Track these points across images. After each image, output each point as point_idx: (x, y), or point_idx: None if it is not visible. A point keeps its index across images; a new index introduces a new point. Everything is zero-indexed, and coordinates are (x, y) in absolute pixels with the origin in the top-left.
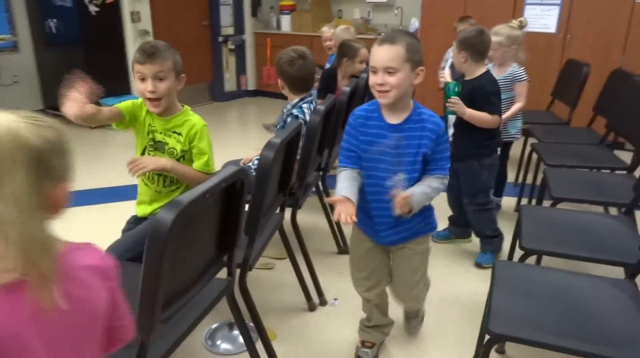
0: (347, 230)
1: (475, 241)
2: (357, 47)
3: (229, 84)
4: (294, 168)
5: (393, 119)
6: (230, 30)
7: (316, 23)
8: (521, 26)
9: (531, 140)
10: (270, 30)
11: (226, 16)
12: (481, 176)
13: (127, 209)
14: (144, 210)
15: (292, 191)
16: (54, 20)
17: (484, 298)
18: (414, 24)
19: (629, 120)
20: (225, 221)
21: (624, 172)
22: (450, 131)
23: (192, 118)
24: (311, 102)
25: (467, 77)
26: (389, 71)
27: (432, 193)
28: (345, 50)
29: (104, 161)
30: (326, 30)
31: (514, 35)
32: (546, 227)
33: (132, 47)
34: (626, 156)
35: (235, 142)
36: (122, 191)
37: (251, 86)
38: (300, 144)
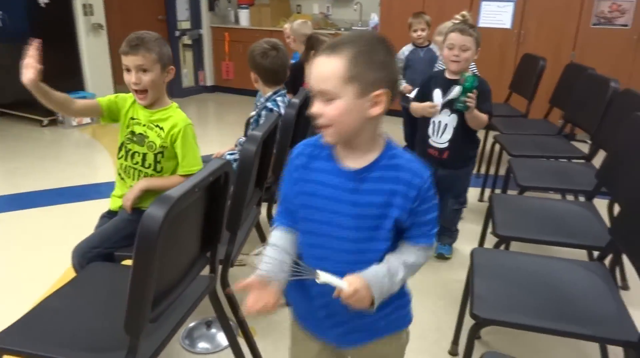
0: None
1: None
2: (323, 40)
3: (187, 80)
4: (270, 162)
5: (350, 162)
6: (186, 25)
7: (275, 18)
8: (464, 21)
9: (492, 132)
10: (228, 24)
11: (182, 10)
12: (470, 177)
13: (87, 209)
14: (116, 203)
15: (268, 186)
16: (1, 12)
17: (456, 285)
18: (374, 19)
19: (584, 111)
20: (208, 217)
21: (582, 161)
22: (447, 136)
23: (176, 115)
24: (285, 96)
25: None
26: (326, 97)
27: (407, 273)
28: (313, 43)
29: (59, 161)
30: (288, 27)
31: None
32: (517, 214)
33: (84, 41)
34: (581, 146)
35: (198, 139)
36: (79, 190)
37: (209, 82)
38: (277, 138)
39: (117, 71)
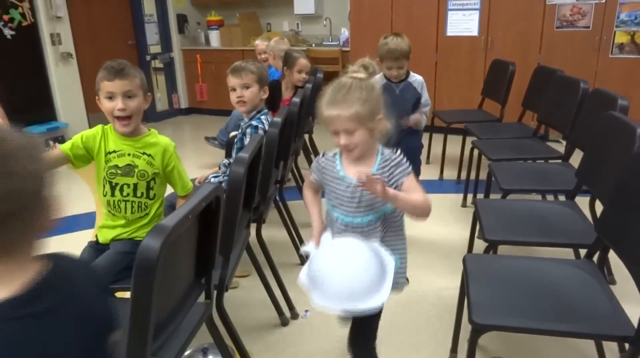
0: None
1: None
2: (295, 56)
3: (161, 103)
4: (257, 182)
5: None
6: (157, 49)
7: (246, 37)
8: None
9: (469, 138)
10: (199, 46)
11: (152, 34)
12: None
13: (68, 243)
14: (106, 235)
15: (255, 206)
16: None
17: (449, 293)
18: (344, 33)
19: (557, 112)
20: (201, 242)
21: (559, 161)
22: None
23: (162, 140)
24: (267, 114)
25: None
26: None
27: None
28: (286, 59)
29: None
30: (259, 43)
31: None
32: (503, 218)
33: (54, 71)
34: (555, 146)
35: None
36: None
37: (184, 104)
38: (262, 157)
39: (89, 100)
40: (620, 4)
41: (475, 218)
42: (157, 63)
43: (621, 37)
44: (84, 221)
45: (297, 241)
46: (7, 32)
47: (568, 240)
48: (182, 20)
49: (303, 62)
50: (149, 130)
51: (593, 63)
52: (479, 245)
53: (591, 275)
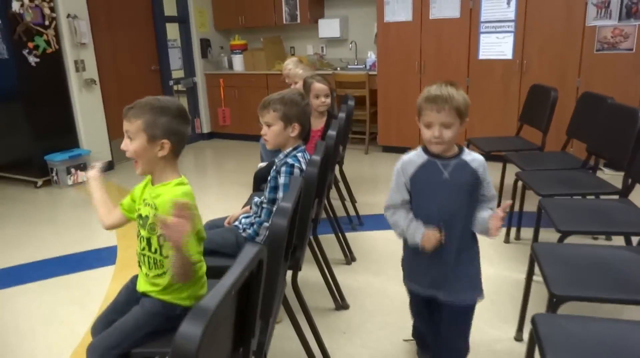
0: (344, 282)
1: None
2: (309, 82)
3: None
4: (294, 227)
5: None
6: (180, 74)
7: (270, 61)
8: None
9: (509, 166)
10: (222, 70)
11: (175, 59)
12: None
13: (90, 280)
14: (140, 283)
15: (292, 251)
16: None
17: (505, 347)
18: (371, 57)
19: (611, 143)
20: (241, 310)
21: (616, 196)
22: None
23: (167, 191)
24: (304, 151)
25: None
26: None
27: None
28: (304, 87)
29: (55, 225)
30: (285, 66)
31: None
32: (568, 268)
33: (77, 97)
34: (608, 179)
35: (197, 190)
36: (79, 259)
37: (206, 129)
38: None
39: (112, 127)
40: None
41: (532, 264)
42: (180, 88)
43: None
44: (106, 255)
45: (331, 283)
46: (32, 60)
47: None
48: (205, 44)
49: (317, 86)
50: (180, 176)
51: (637, 87)
52: (537, 293)
53: None
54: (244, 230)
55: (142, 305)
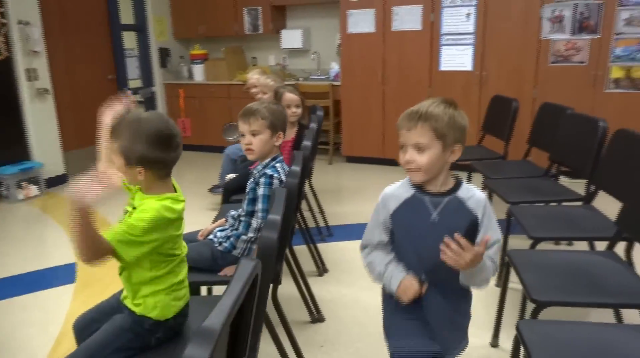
0: (318, 294)
1: None
2: (280, 92)
3: None
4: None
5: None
6: (138, 83)
7: (232, 71)
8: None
9: (474, 175)
10: (182, 80)
11: (133, 68)
12: None
13: (48, 301)
14: (123, 292)
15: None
16: None
17: (483, 354)
18: (334, 68)
19: (573, 152)
20: (234, 328)
21: (579, 203)
22: None
23: (151, 201)
24: (283, 161)
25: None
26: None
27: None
28: (274, 97)
29: (6, 242)
30: (250, 76)
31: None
32: (544, 273)
33: (29, 107)
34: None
35: None
36: (35, 278)
37: None
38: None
39: (66, 138)
40: (614, 40)
41: (507, 270)
42: (138, 98)
43: (617, 72)
44: (64, 274)
45: (306, 295)
46: None
47: (627, 299)
48: (164, 54)
49: (289, 96)
50: (171, 192)
51: (589, 98)
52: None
53: None
54: (220, 243)
55: (113, 320)
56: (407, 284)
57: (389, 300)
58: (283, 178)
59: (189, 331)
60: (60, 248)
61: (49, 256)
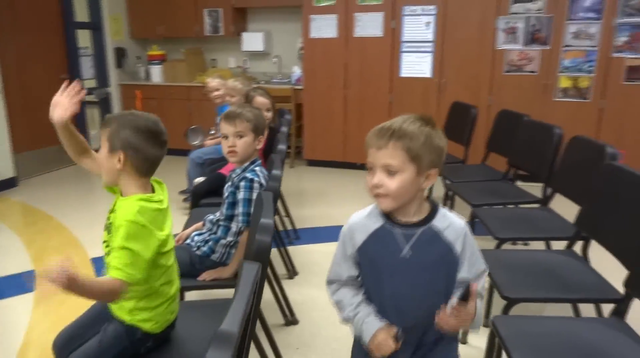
0: (290, 297)
1: None
2: (251, 96)
3: (96, 142)
4: None
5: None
6: (93, 83)
7: (191, 73)
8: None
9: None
10: (139, 81)
11: (87, 68)
12: None
13: (6, 311)
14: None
15: None
16: None
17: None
18: (296, 72)
19: (531, 157)
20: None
21: (536, 205)
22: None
23: (125, 206)
24: (261, 165)
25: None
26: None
27: None
28: (245, 100)
29: None
30: (211, 80)
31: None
32: (512, 272)
33: None
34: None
35: (105, 209)
36: None
37: None
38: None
39: (17, 139)
40: (563, 51)
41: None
42: (92, 98)
43: (565, 82)
44: (22, 282)
45: (280, 298)
46: None
47: (589, 294)
48: (120, 53)
49: (260, 100)
50: (147, 193)
51: (539, 105)
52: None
53: (625, 334)
54: (198, 247)
55: (105, 330)
56: (381, 340)
57: (359, 345)
58: (263, 181)
59: (177, 337)
60: (15, 256)
61: (3, 265)
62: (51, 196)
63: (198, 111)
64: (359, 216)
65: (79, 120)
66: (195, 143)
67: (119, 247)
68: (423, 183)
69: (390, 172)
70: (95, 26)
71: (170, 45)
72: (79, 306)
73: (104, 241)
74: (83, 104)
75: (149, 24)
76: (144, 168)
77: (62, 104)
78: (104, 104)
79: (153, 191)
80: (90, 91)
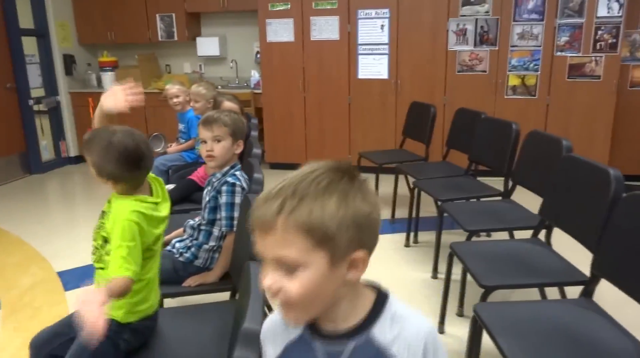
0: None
1: None
2: (219, 101)
3: (47, 152)
4: None
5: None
6: (41, 92)
7: (146, 79)
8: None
9: (401, 176)
10: (91, 89)
11: (34, 76)
12: None
13: None
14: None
15: None
16: None
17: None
18: (254, 76)
19: (491, 152)
20: None
21: (499, 198)
22: None
23: (120, 206)
24: (241, 169)
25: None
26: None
27: None
28: (213, 105)
29: None
30: (170, 87)
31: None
32: (487, 261)
33: None
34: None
35: (63, 220)
36: None
37: (73, 152)
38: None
39: None
40: (510, 51)
41: (451, 260)
42: (41, 107)
43: (513, 80)
44: None
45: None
46: None
47: (558, 278)
48: (69, 60)
49: (228, 105)
50: (139, 195)
51: (491, 103)
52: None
53: (596, 312)
54: (181, 254)
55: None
56: None
57: None
58: (245, 185)
59: (161, 340)
60: None
61: None
62: (3, 210)
63: (155, 117)
64: (272, 322)
65: (28, 130)
66: (158, 150)
67: (117, 246)
68: (348, 274)
69: (289, 268)
70: (41, 33)
71: (122, 51)
72: (49, 319)
73: (95, 248)
74: (31, 115)
75: (99, 30)
76: (133, 185)
77: (117, 97)
78: (54, 114)
79: (151, 192)
80: (38, 100)
